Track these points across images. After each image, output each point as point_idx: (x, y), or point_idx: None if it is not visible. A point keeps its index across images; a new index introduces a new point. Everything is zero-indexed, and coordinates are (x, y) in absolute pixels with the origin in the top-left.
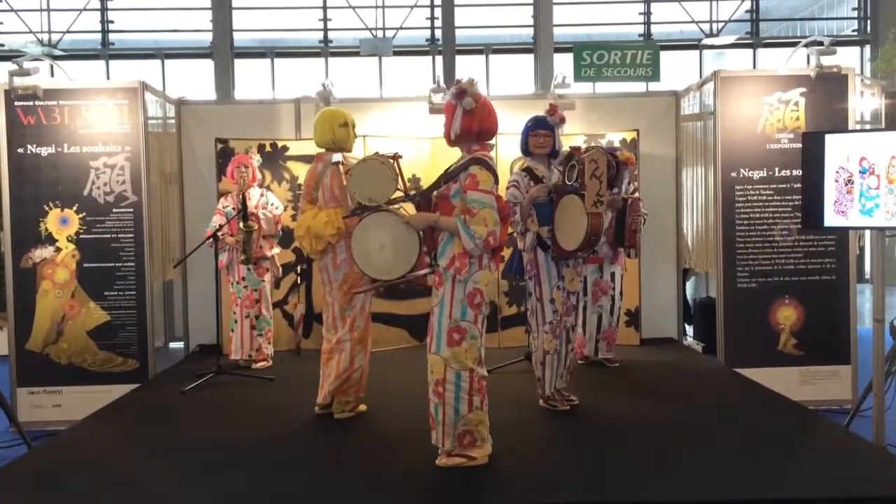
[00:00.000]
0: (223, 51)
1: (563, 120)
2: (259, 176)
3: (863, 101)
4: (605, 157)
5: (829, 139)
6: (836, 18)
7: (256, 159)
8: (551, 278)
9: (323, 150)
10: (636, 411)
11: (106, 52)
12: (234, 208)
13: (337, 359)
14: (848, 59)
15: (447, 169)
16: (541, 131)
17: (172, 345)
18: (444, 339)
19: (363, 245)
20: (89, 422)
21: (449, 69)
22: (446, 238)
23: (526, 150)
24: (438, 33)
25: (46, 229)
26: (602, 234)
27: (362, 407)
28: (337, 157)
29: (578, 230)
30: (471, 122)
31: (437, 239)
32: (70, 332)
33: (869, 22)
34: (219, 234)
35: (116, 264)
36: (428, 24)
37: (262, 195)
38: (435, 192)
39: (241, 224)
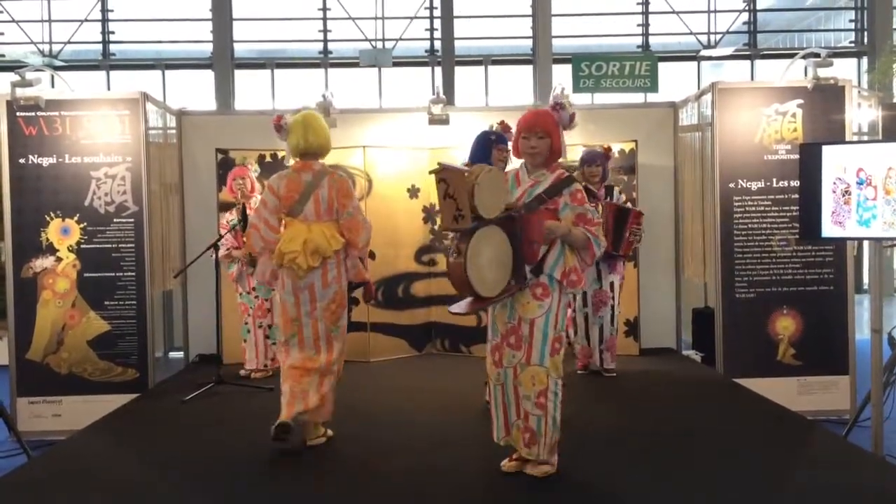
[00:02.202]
0: (223, 61)
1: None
2: (259, 186)
3: (860, 113)
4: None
5: (826, 150)
6: (833, 30)
7: (253, 169)
8: None
9: (307, 160)
10: (634, 421)
11: (107, 62)
12: (238, 220)
13: (318, 381)
14: (845, 70)
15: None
16: (503, 146)
17: (172, 354)
18: (549, 350)
19: (478, 263)
20: (89, 431)
21: (448, 80)
22: (559, 250)
23: (486, 162)
24: (438, 44)
25: (47, 239)
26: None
27: (330, 432)
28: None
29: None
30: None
31: (537, 252)
32: (70, 342)
33: (866, 34)
34: (220, 244)
35: (117, 274)
36: (427, 35)
37: None
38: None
39: (244, 237)
